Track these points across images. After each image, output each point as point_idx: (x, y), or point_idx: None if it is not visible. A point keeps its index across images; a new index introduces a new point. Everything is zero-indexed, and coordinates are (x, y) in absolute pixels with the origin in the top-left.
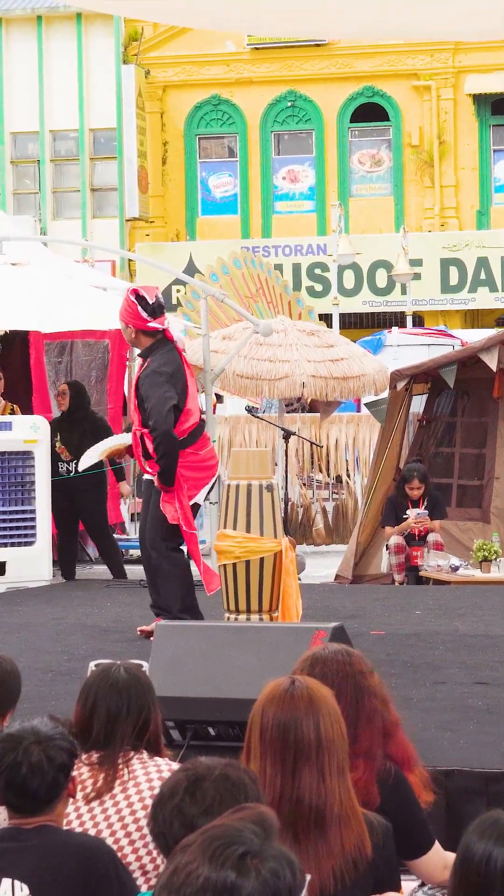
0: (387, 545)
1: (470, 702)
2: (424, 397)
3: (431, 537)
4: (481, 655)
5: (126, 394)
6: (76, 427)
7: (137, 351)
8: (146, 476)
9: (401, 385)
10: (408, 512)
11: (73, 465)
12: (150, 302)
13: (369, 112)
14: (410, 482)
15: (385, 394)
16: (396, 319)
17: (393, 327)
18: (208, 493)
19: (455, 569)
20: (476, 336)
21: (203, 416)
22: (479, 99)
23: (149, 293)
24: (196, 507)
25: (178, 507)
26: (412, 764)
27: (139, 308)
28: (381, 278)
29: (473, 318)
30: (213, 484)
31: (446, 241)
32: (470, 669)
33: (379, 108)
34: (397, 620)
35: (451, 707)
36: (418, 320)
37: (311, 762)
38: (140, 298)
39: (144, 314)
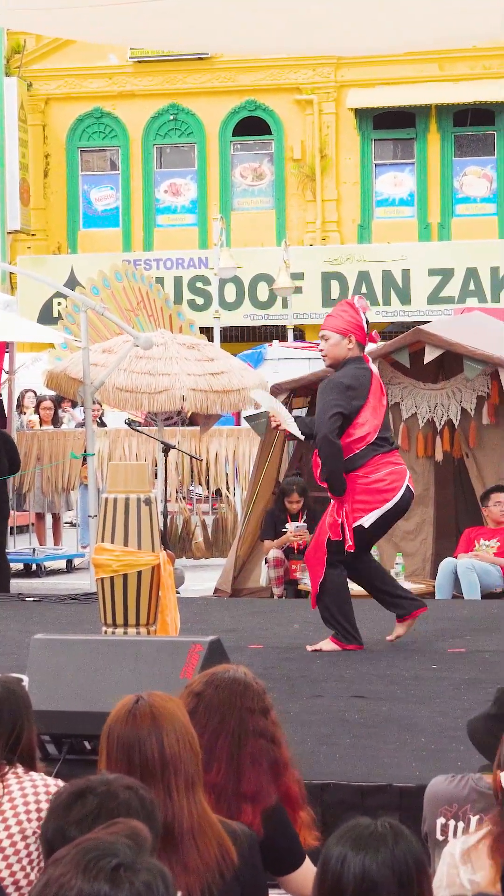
0: (266, 559)
1: (347, 715)
2: (304, 411)
3: None
4: (358, 669)
5: None
6: None
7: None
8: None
9: (281, 398)
10: (287, 525)
11: None
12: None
13: (251, 126)
14: (290, 496)
15: (265, 407)
16: (278, 333)
17: (273, 341)
18: (382, 516)
19: None
20: None
21: (388, 441)
22: (360, 113)
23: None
24: (360, 530)
25: (344, 524)
26: (298, 805)
27: (364, 321)
28: (263, 292)
29: None
30: (389, 510)
31: (328, 254)
32: (347, 683)
33: (261, 121)
34: (275, 634)
35: (328, 720)
36: (299, 334)
37: (157, 780)
38: (362, 310)
39: (366, 328)
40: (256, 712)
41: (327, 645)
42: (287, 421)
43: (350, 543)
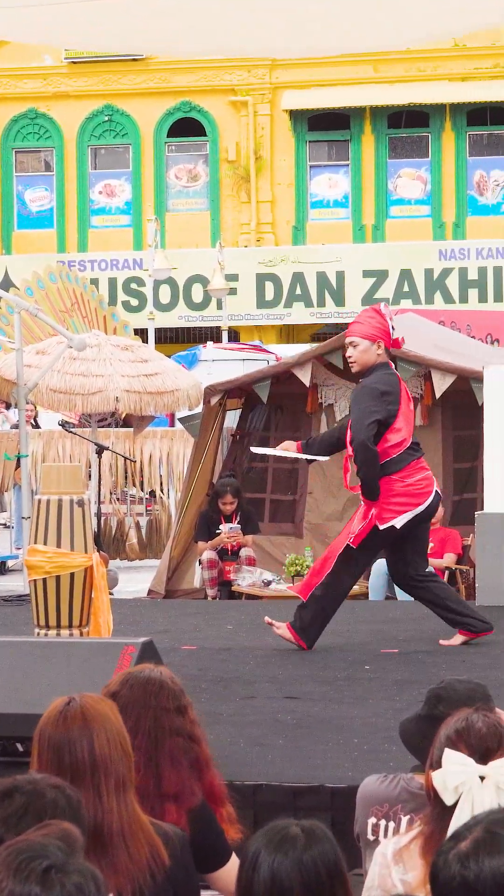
0: (199, 560)
1: (279, 716)
2: (238, 412)
3: (244, 552)
4: (292, 670)
5: None
6: None
7: None
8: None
9: (214, 400)
10: (221, 527)
11: None
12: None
13: (186, 127)
14: (223, 497)
15: (199, 409)
16: (212, 334)
17: (208, 342)
18: (413, 518)
19: (267, 583)
20: (291, 351)
21: (419, 446)
22: (295, 115)
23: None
24: (392, 530)
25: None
26: (221, 802)
27: (391, 326)
28: (197, 293)
29: (289, 334)
30: (422, 512)
31: (262, 256)
32: (280, 684)
33: (196, 123)
34: (209, 635)
35: (261, 721)
36: (234, 335)
37: (87, 781)
38: (389, 317)
39: (393, 333)
40: (172, 711)
41: (283, 630)
42: (302, 454)
43: (356, 541)
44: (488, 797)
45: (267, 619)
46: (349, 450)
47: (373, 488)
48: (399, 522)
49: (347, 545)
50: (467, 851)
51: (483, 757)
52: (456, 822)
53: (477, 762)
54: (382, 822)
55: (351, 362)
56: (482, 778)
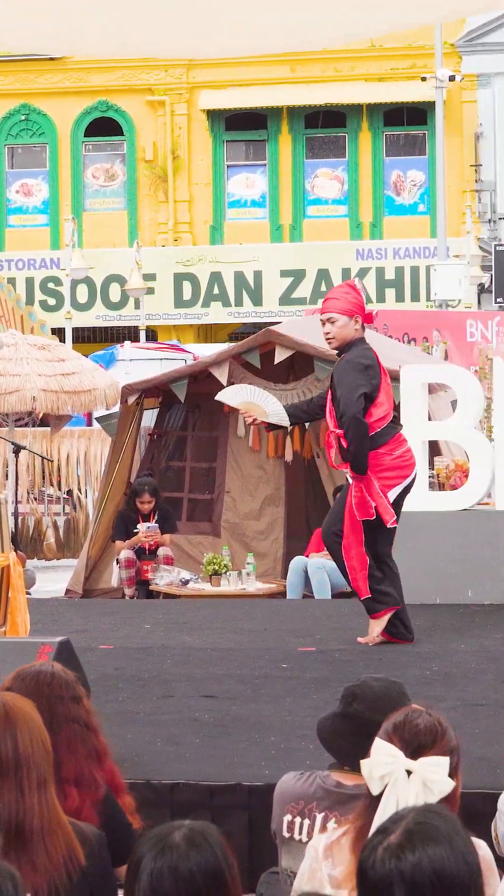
0: (117, 559)
1: (197, 715)
2: (156, 411)
3: (162, 551)
4: (209, 669)
5: None
6: None
7: None
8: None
9: (132, 399)
10: (138, 526)
11: None
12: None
13: (103, 126)
14: (141, 496)
15: (116, 408)
16: (130, 334)
17: (125, 342)
18: (402, 491)
19: (185, 583)
20: (209, 351)
21: (396, 421)
22: (212, 115)
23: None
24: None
25: (375, 503)
26: (122, 791)
27: (364, 300)
28: (115, 292)
29: (206, 333)
30: (409, 484)
31: (180, 255)
32: (198, 683)
33: (113, 122)
34: (126, 634)
35: (178, 720)
36: (151, 335)
37: (10, 778)
38: (363, 291)
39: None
40: (67, 699)
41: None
42: (266, 413)
43: (394, 517)
44: (413, 792)
45: (360, 639)
46: (330, 425)
47: (363, 463)
48: (392, 495)
49: (364, 522)
50: (400, 843)
51: (415, 753)
52: (380, 816)
53: (409, 757)
54: (298, 820)
55: (329, 338)
56: (409, 773)
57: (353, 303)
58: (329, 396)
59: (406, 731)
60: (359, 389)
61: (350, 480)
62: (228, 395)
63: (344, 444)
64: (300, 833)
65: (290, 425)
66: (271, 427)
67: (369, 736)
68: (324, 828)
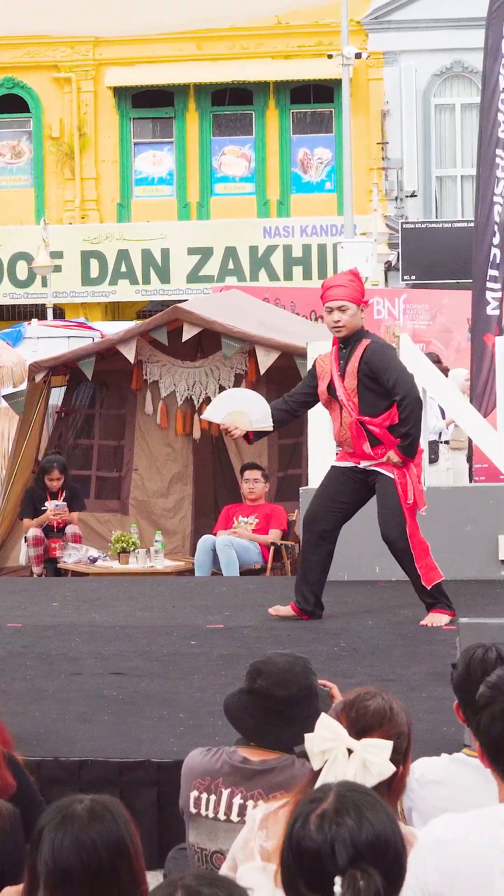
0: (25, 537)
1: (106, 692)
2: (63, 389)
3: (70, 529)
4: (117, 646)
5: None
6: None
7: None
8: (365, 466)
9: (39, 377)
10: (46, 504)
11: None
12: None
13: (9, 103)
14: (49, 473)
15: (23, 386)
16: (37, 311)
17: (33, 319)
18: None
19: (93, 560)
20: (117, 328)
21: None
22: (119, 92)
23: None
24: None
25: (413, 486)
26: (10, 746)
27: (364, 288)
28: (22, 270)
29: (114, 311)
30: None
31: (87, 233)
32: (106, 660)
33: (19, 99)
34: (34, 612)
35: (87, 698)
36: (59, 312)
37: None
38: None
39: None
40: None
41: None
42: (251, 421)
43: (424, 504)
44: (352, 772)
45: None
46: (352, 414)
47: (415, 446)
48: (423, 481)
49: (412, 510)
50: (337, 808)
51: (360, 733)
52: None
53: (353, 736)
54: (204, 796)
55: (339, 327)
56: (350, 751)
57: (359, 291)
58: (343, 382)
59: (354, 710)
60: (410, 373)
61: (384, 472)
62: (212, 413)
63: (374, 428)
64: (206, 809)
65: (275, 429)
66: (257, 436)
67: (273, 712)
68: (229, 804)
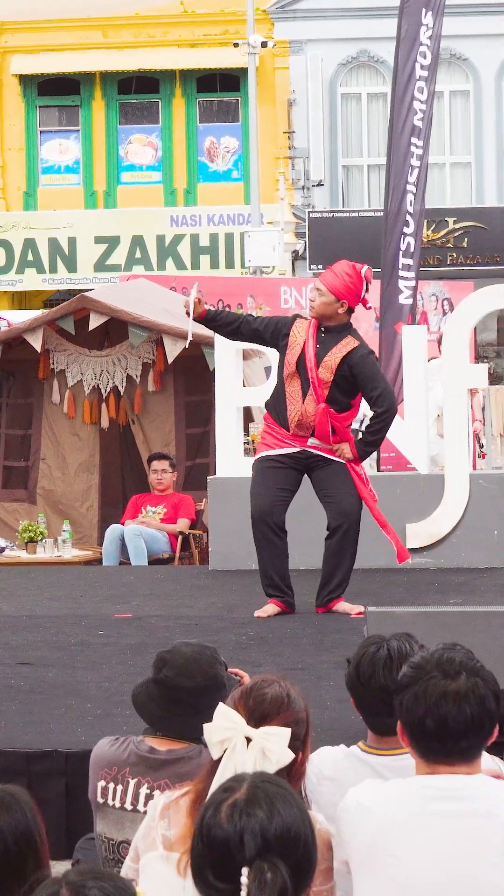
0: None
1: (13, 682)
2: None
3: None
4: (25, 636)
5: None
6: None
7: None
8: (313, 451)
9: None
10: None
11: None
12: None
13: None
14: None
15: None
16: None
17: None
18: None
19: (0, 550)
20: (23, 317)
21: None
22: (25, 80)
23: (369, 275)
24: None
25: (361, 479)
26: None
27: (364, 289)
28: None
29: (21, 300)
30: None
31: None
32: (14, 650)
33: None
34: None
35: None
36: None
37: None
38: (367, 281)
39: (364, 296)
40: None
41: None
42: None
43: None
44: (251, 760)
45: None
46: (314, 400)
47: (372, 453)
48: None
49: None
50: (248, 799)
51: (258, 721)
52: (218, 780)
53: (251, 725)
54: (111, 786)
55: (311, 305)
56: (249, 740)
57: (347, 287)
58: (315, 372)
59: (252, 699)
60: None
61: (333, 458)
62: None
63: (336, 423)
64: (113, 799)
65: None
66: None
67: (178, 702)
68: (136, 794)
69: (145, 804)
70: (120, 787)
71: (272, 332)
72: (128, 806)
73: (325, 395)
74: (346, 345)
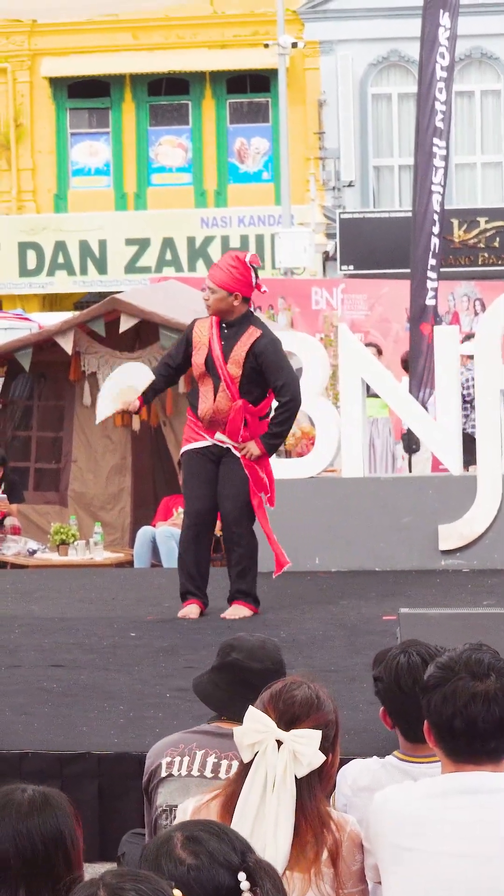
0: None
1: (45, 684)
2: (0, 381)
3: (9, 521)
4: (56, 638)
5: None
6: None
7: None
8: (222, 444)
9: None
10: None
11: None
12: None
13: None
14: None
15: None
16: None
17: None
18: None
19: (32, 552)
20: (54, 320)
21: None
22: (55, 82)
23: (255, 261)
24: None
25: (268, 479)
26: None
27: (253, 276)
28: None
29: (52, 302)
30: None
31: (24, 224)
32: (45, 652)
33: None
34: None
35: (26, 690)
36: None
37: None
38: (254, 268)
39: (255, 282)
40: None
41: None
42: (136, 387)
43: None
44: (282, 763)
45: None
46: (228, 396)
47: (280, 445)
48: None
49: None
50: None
51: (288, 724)
52: (249, 783)
53: (281, 727)
54: (178, 759)
55: (206, 305)
56: (280, 743)
57: (236, 279)
58: (224, 362)
59: (282, 701)
60: (296, 375)
61: (235, 452)
62: (102, 411)
63: (250, 417)
64: (179, 769)
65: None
66: (152, 394)
67: (246, 684)
68: (203, 762)
69: (213, 771)
70: (187, 759)
71: (183, 352)
72: (195, 773)
73: (237, 390)
74: (250, 336)
